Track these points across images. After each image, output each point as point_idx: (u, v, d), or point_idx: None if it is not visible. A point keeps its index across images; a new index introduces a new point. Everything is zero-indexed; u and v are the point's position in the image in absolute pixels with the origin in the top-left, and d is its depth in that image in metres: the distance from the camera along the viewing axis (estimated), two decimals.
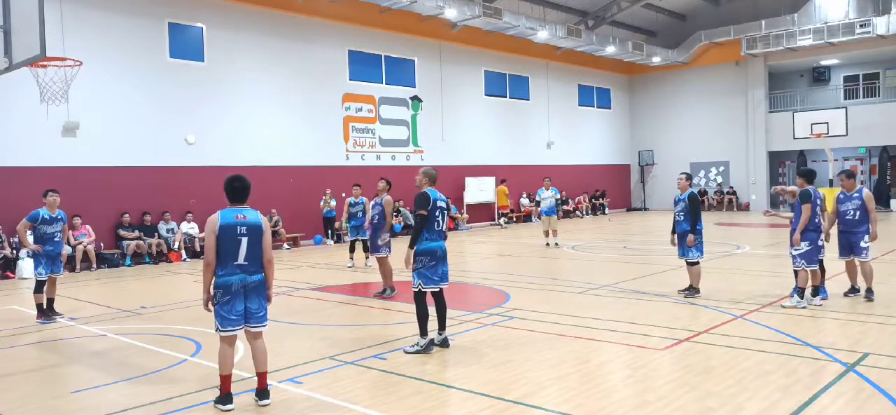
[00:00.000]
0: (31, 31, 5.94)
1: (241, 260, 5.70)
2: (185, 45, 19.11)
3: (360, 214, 15.12)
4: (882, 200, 30.41)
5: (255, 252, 5.77)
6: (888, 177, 30.75)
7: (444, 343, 7.53)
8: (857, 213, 9.84)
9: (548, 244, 18.33)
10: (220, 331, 5.72)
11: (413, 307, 7.61)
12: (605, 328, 8.34)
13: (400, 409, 5.64)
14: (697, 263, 10.28)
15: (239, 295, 5.69)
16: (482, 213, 27.73)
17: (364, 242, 15.48)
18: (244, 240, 5.70)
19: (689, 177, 10.55)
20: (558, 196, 18.77)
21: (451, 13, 23.09)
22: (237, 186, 5.89)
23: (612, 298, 10.56)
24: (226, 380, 5.70)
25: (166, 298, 11.95)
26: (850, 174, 10.12)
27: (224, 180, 5.98)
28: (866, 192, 9.94)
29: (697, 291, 10.28)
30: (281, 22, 21.15)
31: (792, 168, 33.56)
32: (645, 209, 35.22)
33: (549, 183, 18.76)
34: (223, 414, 5.62)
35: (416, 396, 5.98)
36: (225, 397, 5.68)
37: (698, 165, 34.13)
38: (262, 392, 5.79)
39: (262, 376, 5.82)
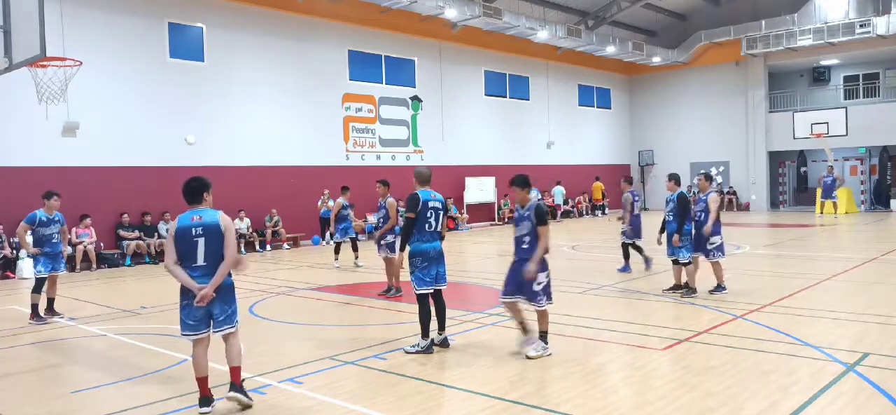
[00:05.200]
0: (31, 31, 5.94)
1: (199, 262, 5.57)
2: (185, 45, 19.11)
3: (349, 218, 15.43)
4: (882, 201, 30.44)
5: (215, 253, 5.58)
6: (888, 177, 30.75)
7: (444, 343, 7.53)
8: (703, 215, 10.33)
9: None
10: (182, 335, 5.69)
11: (414, 307, 7.62)
12: (605, 328, 8.33)
13: (400, 409, 5.64)
14: (689, 263, 10.32)
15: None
16: (482, 213, 27.73)
17: (353, 241, 15.56)
18: (201, 241, 5.55)
19: (672, 178, 10.67)
20: (540, 198, 18.63)
21: (451, 13, 23.09)
22: (192, 187, 5.73)
23: (612, 298, 10.56)
24: (200, 383, 5.61)
25: (166, 298, 11.92)
26: (708, 176, 10.71)
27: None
28: (712, 195, 10.32)
29: (694, 290, 10.30)
30: (281, 22, 21.15)
31: (792, 168, 33.59)
32: (645, 209, 35.20)
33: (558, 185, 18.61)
34: None
35: (416, 396, 5.97)
36: (202, 401, 5.60)
37: (698, 165, 34.07)
38: (233, 386, 5.66)
39: (234, 371, 5.68)
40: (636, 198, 13.56)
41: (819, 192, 29.01)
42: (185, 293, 5.61)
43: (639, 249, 13.34)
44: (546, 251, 6.93)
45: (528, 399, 5.78)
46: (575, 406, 5.57)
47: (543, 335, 7.14)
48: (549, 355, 7.02)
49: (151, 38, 18.45)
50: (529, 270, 6.86)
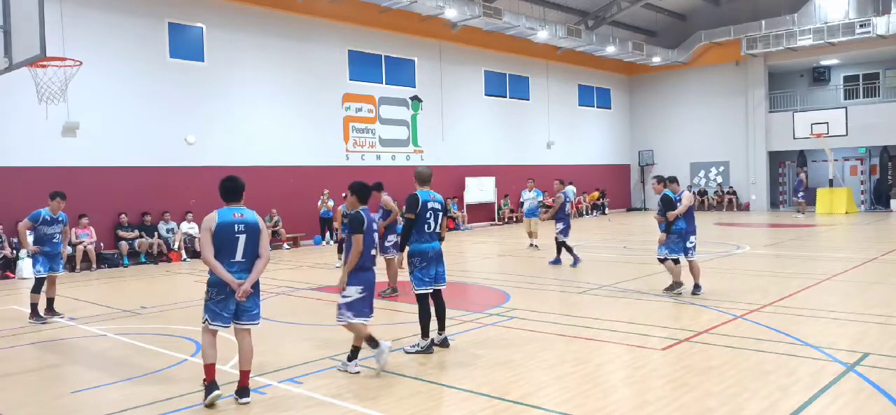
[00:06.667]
0: (31, 32, 5.94)
1: (238, 258, 5.79)
2: (185, 45, 19.11)
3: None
4: (882, 201, 30.44)
5: (252, 250, 5.85)
6: (888, 177, 30.76)
7: (444, 343, 7.54)
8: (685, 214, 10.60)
9: (531, 245, 18.29)
10: (210, 324, 5.80)
11: (413, 307, 7.63)
12: (605, 328, 8.34)
13: (400, 409, 5.64)
14: (667, 259, 10.52)
15: (234, 293, 5.77)
16: (482, 213, 27.73)
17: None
18: (241, 238, 5.78)
19: (659, 180, 10.91)
20: (541, 199, 18.87)
21: (451, 13, 23.09)
22: (229, 186, 5.95)
23: (612, 298, 10.56)
24: (210, 369, 5.75)
25: (166, 298, 11.95)
26: (673, 179, 10.94)
27: (219, 181, 6.04)
28: (686, 194, 10.56)
29: (680, 284, 10.52)
30: (281, 22, 21.15)
31: (792, 168, 33.60)
32: (645, 209, 35.21)
33: (533, 184, 18.70)
34: (207, 406, 5.67)
35: (416, 396, 5.98)
36: (211, 385, 5.71)
37: (698, 165, 34.13)
38: (243, 390, 5.82)
39: (244, 375, 5.86)
40: (568, 199, 14.93)
41: (820, 192, 29.18)
42: (221, 288, 5.75)
43: (568, 249, 14.52)
44: (355, 263, 6.46)
45: (528, 399, 5.78)
46: (575, 406, 5.57)
47: (354, 352, 6.61)
48: (357, 372, 6.51)
49: (151, 38, 18.45)
50: (340, 283, 6.58)
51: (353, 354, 6.68)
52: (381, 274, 11.92)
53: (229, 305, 5.78)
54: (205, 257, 5.76)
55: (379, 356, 6.57)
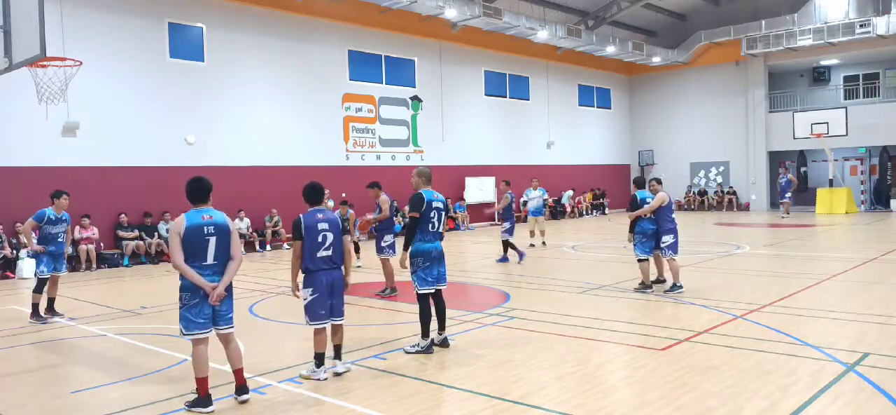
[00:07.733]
0: (31, 32, 5.93)
1: (209, 260, 5.69)
2: (185, 45, 19.11)
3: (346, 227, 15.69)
4: (882, 201, 30.44)
5: (224, 252, 5.77)
6: (888, 177, 30.75)
7: (444, 343, 7.53)
8: (657, 214, 10.83)
9: (532, 244, 18.36)
10: (185, 334, 5.69)
11: (413, 307, 7.63)
12: (605, 328, 8.34)
13: (400, 409, 5.64)
14: (640, 260, 10.80)
15: (208, 297, 5.68)
16: (482, 213, 27.71)
17: (354, 242, 15.80)
18: (212, 240, 5.69)
19: (635, 182, 11.29)
20: (545, 197, 19.03)
21: (451, 13, 23.09)
22: (196, 187, 5.83)
23: (612, 298, 10.56)
24: (202, 383, 5.65)
25: (166, 298, 11.94)
26: (646, 181, 11.19)
27: (185, 183, 5.93)
28: (660, 194, 10.73)
29: (649, 287, 10.80)
30: (281, 22, 21.15)
31: (792, 168, 33.58)
32: None
33: (537, 184, 18.86)
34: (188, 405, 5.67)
35: (416, 396, 5.98)
36: (204, 400, 5.63)
37: (698, 165, 34.12)
38: (241, 388, 5.81)
39: (238, 373, 5.83)
40: (513, 199, 15.93)
41: (820, 192, 29.14)
42: (194, 292, 5.65)
43: (512, 246, 15.34)
44: (297, 267, 6.50)
45: (528, 399, 5.78)
46: (575, 406, 5.57)
47: (317, 358, 6.50)
48: (322, 379, 6.40)
49: (151, 38, 18.45)
50: (293, 287, 6.57)
51: (336, 353, 6.67)
52: (380, 274, 11.94)
53: (204, 309, 5.67)
54: (175, 262, 5.63)
55: (313, 372, 6.47)
